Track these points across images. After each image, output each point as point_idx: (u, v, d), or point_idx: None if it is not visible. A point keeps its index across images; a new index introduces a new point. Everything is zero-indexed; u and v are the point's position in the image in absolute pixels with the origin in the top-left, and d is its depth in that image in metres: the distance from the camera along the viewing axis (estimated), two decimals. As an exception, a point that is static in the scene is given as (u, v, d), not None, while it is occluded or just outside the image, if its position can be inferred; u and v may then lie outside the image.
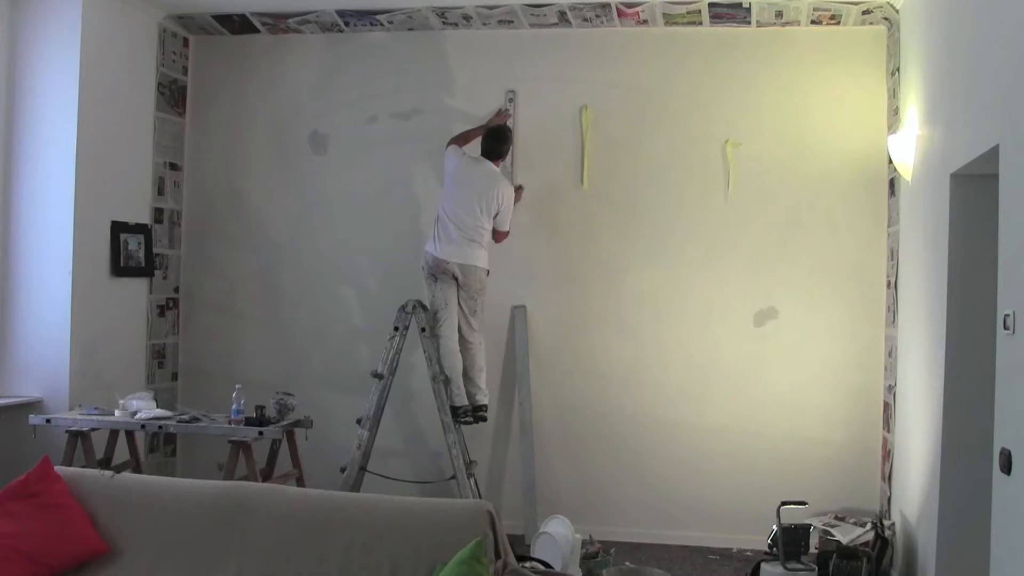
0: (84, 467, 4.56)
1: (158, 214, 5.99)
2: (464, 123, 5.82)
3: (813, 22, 5.53)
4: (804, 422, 5.58)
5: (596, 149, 5.83)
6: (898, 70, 5.14)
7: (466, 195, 5.31)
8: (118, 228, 5.57)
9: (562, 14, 5.59)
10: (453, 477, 5.30)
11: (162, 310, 6.03)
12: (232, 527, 3.13)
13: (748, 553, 5.43)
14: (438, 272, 5.27)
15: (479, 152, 5.50)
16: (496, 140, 5.50)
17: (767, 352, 5.64)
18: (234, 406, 4.88)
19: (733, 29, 5.67)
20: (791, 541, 4.72)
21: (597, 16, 5.60)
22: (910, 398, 4.67)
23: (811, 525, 4.95)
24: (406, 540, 3.01)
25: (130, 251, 5.67)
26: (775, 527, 4.80)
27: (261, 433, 4.85)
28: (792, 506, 4.85)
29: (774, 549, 4.81)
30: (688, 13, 5.49)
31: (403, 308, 5.37)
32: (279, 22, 5.95)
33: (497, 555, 2.96)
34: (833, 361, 5.56)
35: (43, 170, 5.21)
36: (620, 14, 5.55)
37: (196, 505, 3.21)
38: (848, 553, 4.62)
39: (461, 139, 5.59)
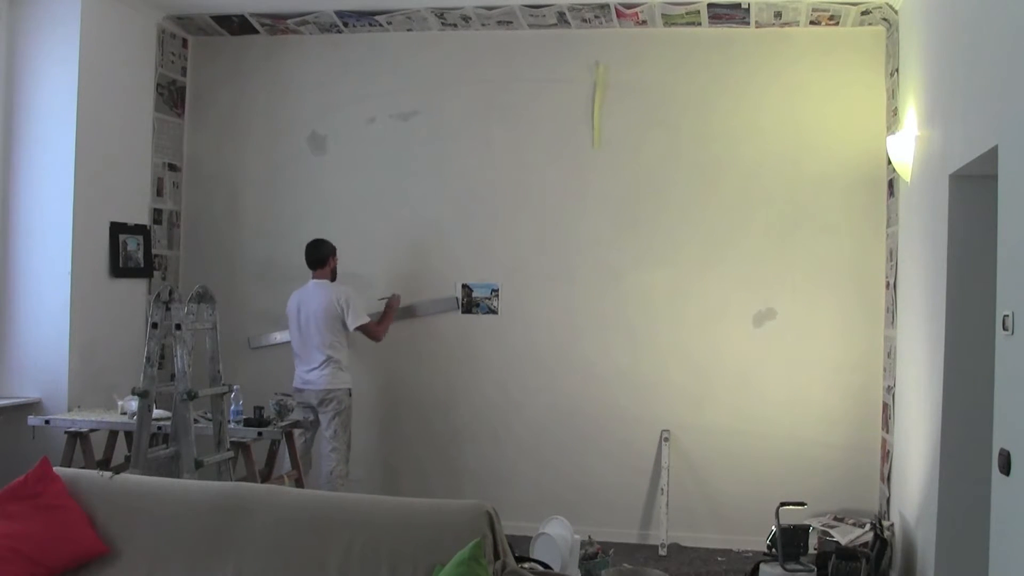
0: (83, 468, 4.55)
1: (157, 215, 5.99)
2: (463, 124, 5.89)
3: (812, 23, 5.54)
4: (803, 423, 5.58)
5: (596, 149, 5.83)
6: (897, 71, 5.15)
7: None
8: (117, 229, 5.57)
9: (561, 15, 5.59)
10: None
11: (161, 311, 6.02)
12: (231, 528, 3.13)
13: (748, 554, 5.43)
14: None
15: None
16: (307, 250, 5.49)
17: (766, 353, 5.64)
18: (232, 407, 4.88)
19: (732, 30, 5.67)
20: (790, 542, 4.72)
21: (596, 17, 5.60)
22: (909, 399, 4.67)
23: (810, 526, 4.95)
24: (405, 541, 3.01)
25: (129, 252, 5.67)
26: (774, 528, 4.80)
27: (260, 434, 4.85)
28: (791, 507, 4.84)
29: (773, 550, 4.81)
30: (687, 14, 5.49)
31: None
32: (278, 23, 5.95)
33: (496, 556, 2.96)
34: (832, 362, 5.56)
35: (42, 171, 5.22)
36: (619, 15, 5.55)
37: (195, 506, 3.21)
38: (847, 554, 4.62)
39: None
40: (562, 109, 5.86)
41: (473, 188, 5.95)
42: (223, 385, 4.56)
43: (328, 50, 6.11)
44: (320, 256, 5.48)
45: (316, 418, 5.39)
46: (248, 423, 4.91)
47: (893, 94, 5.27)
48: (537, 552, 4.47)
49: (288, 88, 6.17)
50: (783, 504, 4.81)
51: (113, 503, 3.26)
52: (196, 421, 4.91)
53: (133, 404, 4.98)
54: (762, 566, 4.75)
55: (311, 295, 5.43)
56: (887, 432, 5.27)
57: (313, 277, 5.48)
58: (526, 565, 3.44)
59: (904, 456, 4.75)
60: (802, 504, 4.96)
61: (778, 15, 5.45)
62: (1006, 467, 2.69)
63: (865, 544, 4.79)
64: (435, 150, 5.99)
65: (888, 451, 5.20)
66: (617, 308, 5.79)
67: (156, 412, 4.96)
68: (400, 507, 3.23)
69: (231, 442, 4.73)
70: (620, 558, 5.10)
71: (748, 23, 5.58)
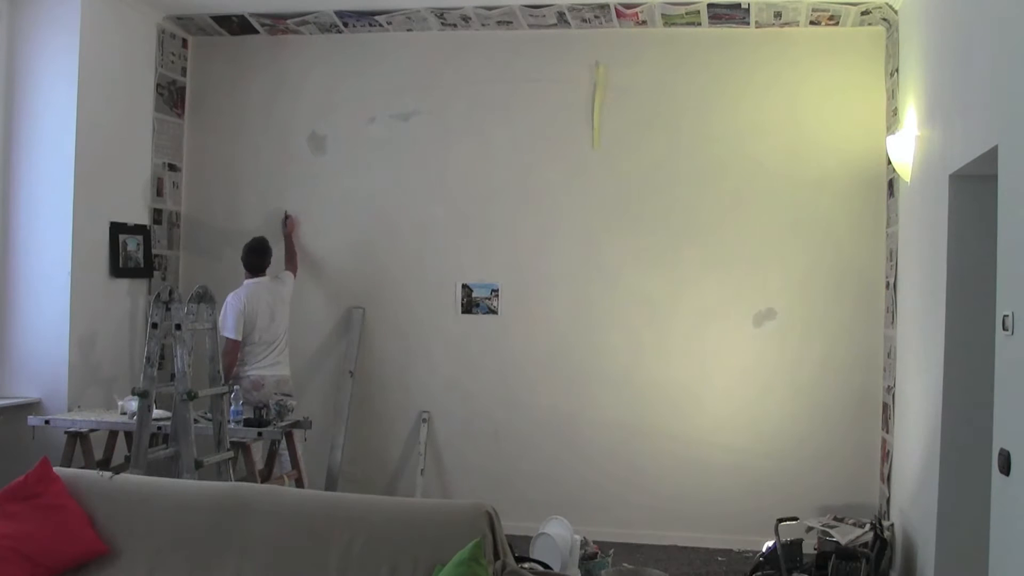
0: (83, 468, 4.55)
1: (157, 215, 5.99)
2: (462, 125, 5.90)
3: (812, 23, 5.54)
4: (803, 423, 5.57)
5: (595, 149, 5.83)
6: (897, 71, 5.15)
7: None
8: (117, 229, 5.57)
9: (561, 15, 5.59)
10: None
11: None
12: (232, 528, 3.13)
13: (748, 554, 5.43)
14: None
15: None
16: (257, 255, 5.57)
17: (766, 353, 5.64)
18: (233, 407, 4.88)
19: (732, 30, 5.67)
20: (789, 556, 4.71)
21: (596, 17, 5.60)
22: (909, 399, 4.67)
23: (803, 540, 4.91)
24: (405, 541, 3.01)
25: (129, 252, 5.67)
26: (772, 543, 4.77)
27: (260, 434, 4.84)
28: (788, 522, 4.83)
29: (765, 566, 4.78)
30: (687, 14, 5.49)
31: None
32: (278, 23, 5.95)
33: (496, 556, 2.96)
34: (832, 362, 5.56)
35: (42, 171, 5.22)
36: (619, 15, 5.55)
37: (196, 506, 3.21)
38: (847, 554, 4.62)
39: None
40: (562, 109, 5.85)
41: (473, 188, 5.95)
42: (223, 385, 4.56)
43: (328, 50, 6.11)
44: (270, 261, 5.61)
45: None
46: (248, 423, 4.90)
47: (893, 94, 5.27)
48: (537, 552, 4.47)
49: (288, 88, 6.17)
50: (780, 520, 4.79)
51: (113, 503, 3.26)
52: (196, 421, 4.91)
53: (133, 404, 4.98)
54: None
55: (271, 291, 5.55)
56: (887, 432, 5.27)
57: (255, 277, 5.54)
58: (526, 565, 3.44)
59: (904, 456, 4.75)
60: (795, 519, 4.95)
61: (778, 15, 5.45)
62: (1006, 467, 2.69)
63: (865, 544, 4.78)
64: (435, 150, 5.99)
65: (888, 451, 5.20)
66: (617, 308, 5.79)
67: (156, 412, 4.97)
68: (400, 507, 3.23)
69: (231, 442, 4.73)
70: (620, 558, 5.10)
71: (748, 23, 5.58)
